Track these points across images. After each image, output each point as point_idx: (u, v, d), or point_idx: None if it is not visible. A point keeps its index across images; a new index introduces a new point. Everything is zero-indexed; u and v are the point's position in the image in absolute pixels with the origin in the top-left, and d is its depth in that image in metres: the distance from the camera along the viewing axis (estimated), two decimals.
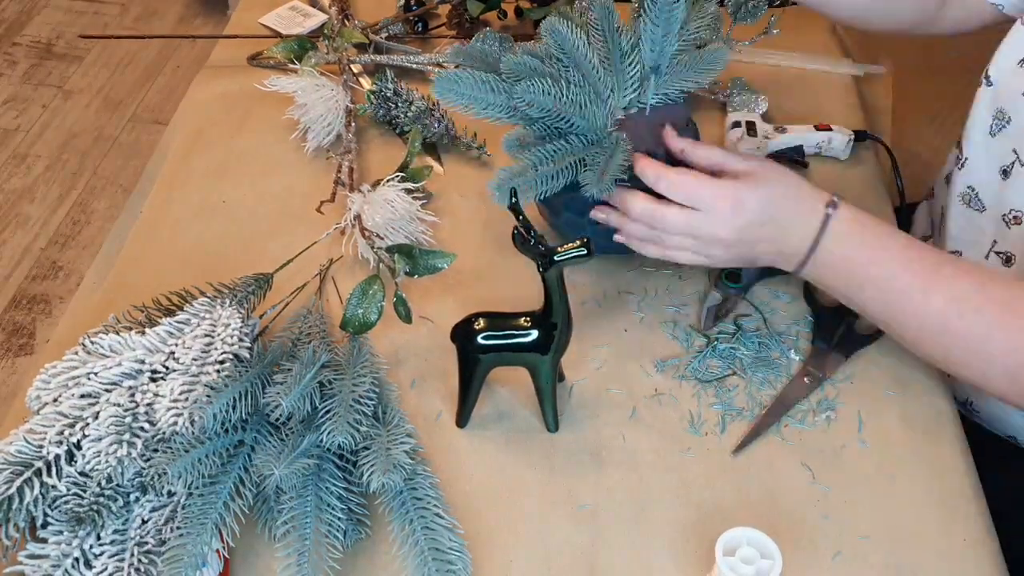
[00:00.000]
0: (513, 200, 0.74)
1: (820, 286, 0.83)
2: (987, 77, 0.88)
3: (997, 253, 0.89)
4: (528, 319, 0.78)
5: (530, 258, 0.74)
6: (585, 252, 0.73)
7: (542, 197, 0.85)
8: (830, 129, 1.07)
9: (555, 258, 0.73)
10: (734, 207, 0.79)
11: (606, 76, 0.89)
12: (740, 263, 0.84)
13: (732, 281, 0.93)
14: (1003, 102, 0.87)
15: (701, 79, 0.91)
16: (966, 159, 0.92)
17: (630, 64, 0.90)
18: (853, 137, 1.07)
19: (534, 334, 0.78)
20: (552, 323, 0.77)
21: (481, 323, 0.78)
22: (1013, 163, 0.86)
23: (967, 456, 0.82)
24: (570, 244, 0.73)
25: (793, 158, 1.07)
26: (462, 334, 0.79)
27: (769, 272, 0.95)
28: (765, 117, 1.11)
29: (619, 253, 0.97)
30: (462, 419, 0.84)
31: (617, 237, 0.87)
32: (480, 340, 0.78)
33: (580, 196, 0.84)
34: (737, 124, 1.08)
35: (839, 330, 0.90)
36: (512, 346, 0.78)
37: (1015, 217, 0.87)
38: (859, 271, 0.79)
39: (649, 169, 0.81)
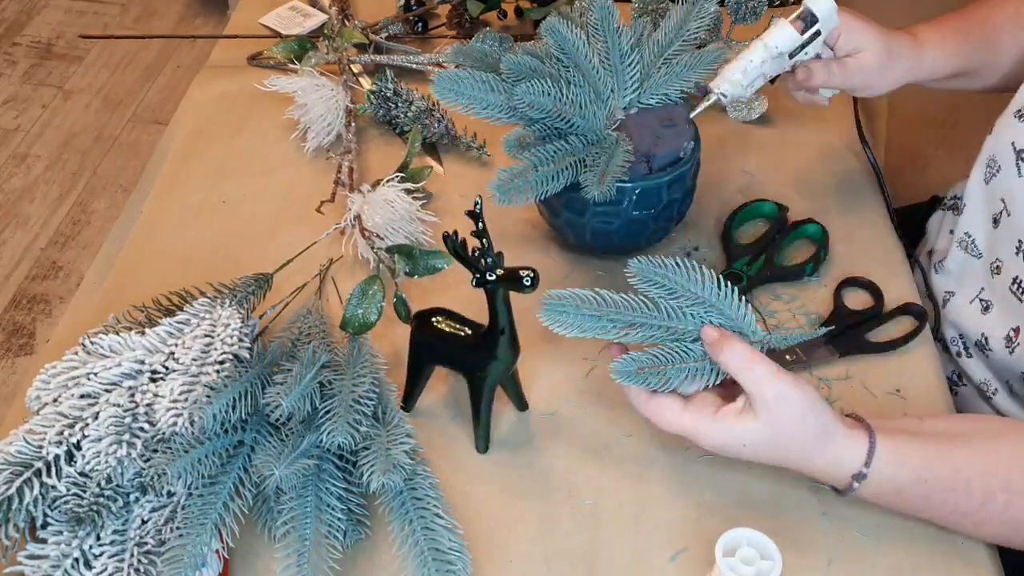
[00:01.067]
0: (477, 207, 0.72)
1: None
2: (992, 128, 0.89)
3: (980, 300, 0.90)
4: (471, 331, 0.78)
5: (464, 267, 0.73)
6: (528, 284, 0.71)
7: (542, 197, 0.85)
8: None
9: (487, 277, 0.72)
10: (728, 448, 0.72)
11: (606, 76, 0.89)
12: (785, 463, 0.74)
13: (732, 281, 0.93)
14: (995, 151, 0.87)
15: (700, 80, 0.91)
16: (964, 206, 0.92)
17: (630, 64, 0.90)
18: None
19: (473, 348, 0.78)
20: (491, 342, 0.76)
21: (439, 319, 0.79)
22: (1001, 212, 0.86)
23: None
24: (522, 269, 0.72)
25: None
26: (418, 322, 0.80)
27: (774, 276, 0.95)
28: (764, 118, 1.11)
29: (618, 253, 0.97)
30: (407, 403, 0.84)
31: None
32: (427, 335, 0.79)
33: (580, 196, 0.84)
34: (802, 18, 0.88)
35: (848, 330, 0.90)
36: (452, 353, 0.79)
37: (997, 267, 0.87)
38: (906, 501, 0.73)
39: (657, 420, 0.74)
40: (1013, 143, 0.84)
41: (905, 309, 0.92)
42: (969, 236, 0.92)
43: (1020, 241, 0.84)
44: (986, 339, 0.89)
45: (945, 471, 0.71)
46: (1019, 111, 0.85)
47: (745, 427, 0.70)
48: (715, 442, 0.71)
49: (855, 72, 0.88)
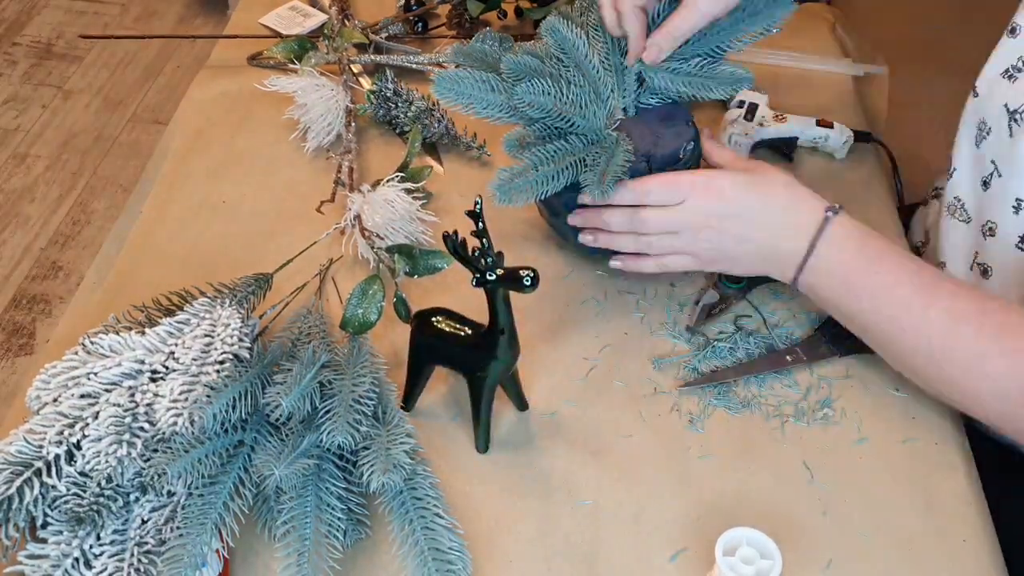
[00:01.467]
0: (477, 207, 0.72)
1: (814, 298, 0.83)
2: (975, 89, 0.89)
3: (978, 264, 0.90)
4: (471, 331, 0.78)
5: (464, 267, 0.73)
6: (528, 284, 0.71)
7: (542, 197, 0.85)
8: (831, 126, 1.07)
9: (487, 276, 0.72)
10: (709, 193, 0.80)
11: (606, 76, 0.89)
12: (733, 267, 0.84)
13: (731, 281, 0.93)
14: (985, 113, 0.87)
15: (714, 92, 0.89)
16: (954, 169, 0.92)
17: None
18: (852, 137, 1.07)
19: (473, 348, 0.78)
20: (491, 342, 0.76)
21: (439, 319, 0.79)
22: (992, 174, 0.86)
23: (967, 456, 0.82)
24: (522, 269, 0.72)
25: (781, 149, 1.07)
26: (418, 321, 0.80)
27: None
28: (771, 106, 1.11)
29: (617, 253, 0.97)
30: (407, 402, 0.84)
31: (613, 263, 0.89)
32: (427, 335, 0.79)
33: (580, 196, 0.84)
34: (741, 104, 1.09)
35: (848, 332, 0.90)
36: (452, 353, 0.79)
37: (991, 228, 0.87)
38: (857, 280, 0.79)
39: (632, 187, 0.83)
40: (1006, 104, 0.84)
41: None
42: (959, 201, 0.92)
43: (1019, 200, 0.84)
44: None
45: (908, 266, 0.78)
46: (1007, 71, 0.85)
47: (729, 177, 0.81)
48: (706, 190, 0.80)
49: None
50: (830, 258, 0.80)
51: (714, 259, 0.84)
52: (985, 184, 0.88)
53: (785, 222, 0.81)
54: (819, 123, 1.07)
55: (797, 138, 1.07)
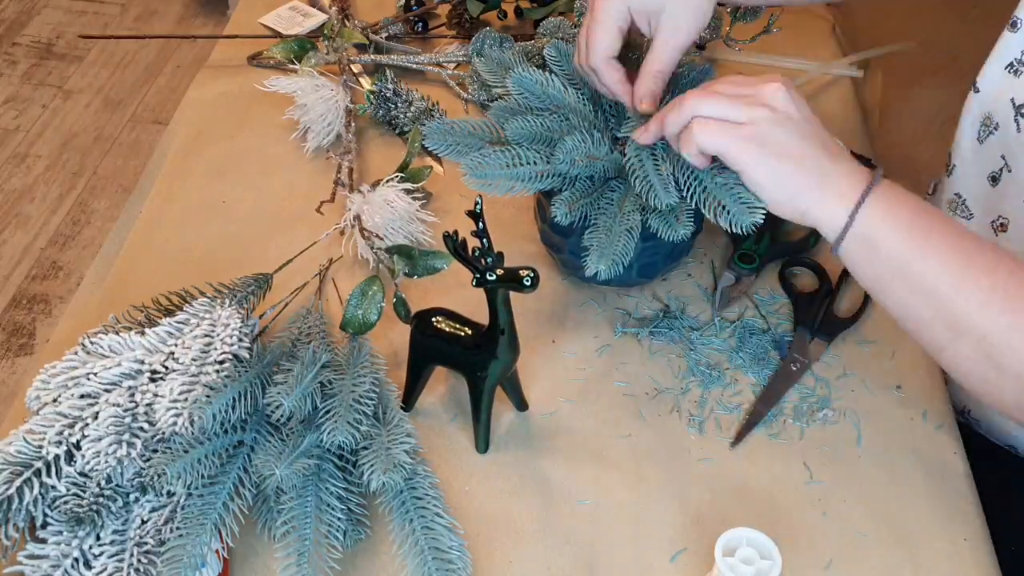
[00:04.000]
0: (477, 207, 0.71)
1: (854, 266, 0.71)
2: (975, 85, 0.89)
3: None
4: (472, 331, 0.78)
5: (464, 267, 0.73)
6: (528, 284, 0.71)
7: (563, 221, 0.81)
8: None
9: (487, 276, 0.72)
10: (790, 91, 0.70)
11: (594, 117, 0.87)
12: (775, 171, 0.69)
13: (744, 262, 0.93)
14: (990, 108, 0.87)
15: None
16: (954, 166, 0.92)
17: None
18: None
19: (473, 348, 0.77)
20: (491, 342, 0.76)
21: (439, 319, 0.79)
22: (1001, 169, 0.86)
23: (965, 455, 0.82)
24: (522, 269, 0.71)
25: None
26: (418, 321, 0.80)
27: (780, 252, 0.96)
28: None
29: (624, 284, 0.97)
30: (407, 402, 0.84)
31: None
32: (427, 335, 0.79)
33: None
34: None
35: (819, 315, 0.91)
36: (452, 353, 0.79)
37: (1002, 224, 0.87)
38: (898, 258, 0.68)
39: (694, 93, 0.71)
40: (1012, 99, 0.84)
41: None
42: (960, 197, 0.91)
43: None
44: None
45: (952, 227, 0.68)
46: (1011, 65, 0.84)
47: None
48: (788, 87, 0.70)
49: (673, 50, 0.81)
50: (882, 218, 0.69)
51: (761, 148, 0.69)
52: (994, 179, 0.87)
53: (840, 166, 0.69)
54: None
55: None
